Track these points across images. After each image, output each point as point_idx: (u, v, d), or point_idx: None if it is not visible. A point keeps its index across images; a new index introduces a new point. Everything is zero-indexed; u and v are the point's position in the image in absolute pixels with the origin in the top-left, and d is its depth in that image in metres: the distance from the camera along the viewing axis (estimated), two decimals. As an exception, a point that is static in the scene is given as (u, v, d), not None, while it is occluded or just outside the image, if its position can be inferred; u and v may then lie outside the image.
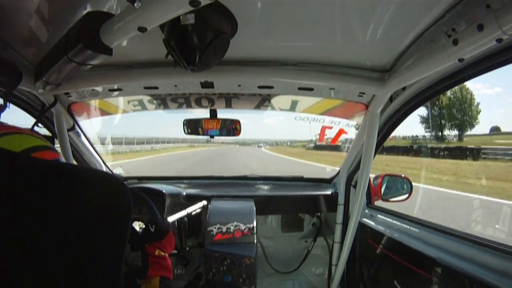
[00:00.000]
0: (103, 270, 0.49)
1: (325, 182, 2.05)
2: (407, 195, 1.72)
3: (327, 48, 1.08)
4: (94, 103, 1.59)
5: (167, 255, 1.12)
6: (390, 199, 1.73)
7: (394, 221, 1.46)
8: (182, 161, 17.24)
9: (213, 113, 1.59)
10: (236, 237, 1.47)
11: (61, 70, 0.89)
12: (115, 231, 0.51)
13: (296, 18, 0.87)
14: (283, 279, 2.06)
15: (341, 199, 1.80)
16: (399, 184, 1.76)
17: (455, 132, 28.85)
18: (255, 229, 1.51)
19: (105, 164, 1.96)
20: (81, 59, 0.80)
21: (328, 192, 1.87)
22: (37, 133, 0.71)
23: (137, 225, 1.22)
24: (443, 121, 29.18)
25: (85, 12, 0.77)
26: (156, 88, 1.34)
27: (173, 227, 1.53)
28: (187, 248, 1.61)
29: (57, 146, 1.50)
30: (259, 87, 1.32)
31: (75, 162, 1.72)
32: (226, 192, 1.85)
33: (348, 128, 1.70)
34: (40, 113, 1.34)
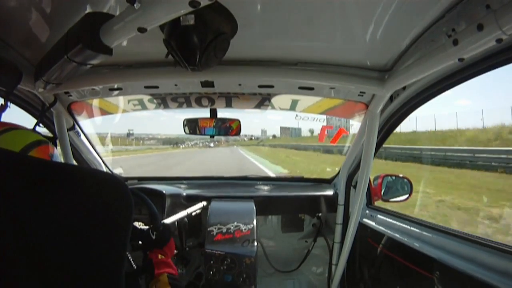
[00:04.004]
0: (104, 270, 0.49)
1: (325, 182, 2.05)
2: (407, 195, 1.71)
3: (327, 48, 1.08)
4: (94, 102, 1.59)
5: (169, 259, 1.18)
6: (390, 199, 1.72)
7: (394, 221, 1.46)
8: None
9: (213, 113, 1.59)
10: (236, 237, 1.47)
11: (61, 69, 0.89)
12: (116, 231, 0.51)
13: (296, 18, 0.87)
14: (283, 278, 2.06)
15: (341, 199, 1.79)
16: (399, 184, 1.75)
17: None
18: (255, 229, 1.51)
19: (105, 164, 1.97)
20: (81, 59, 0.80)
21: (328, 192, 1.87)
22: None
23: (138, 225, 1.23)
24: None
25: (85, 12, 0.77)
26: (157, 87, 1.34)
27: (173, 228, 1.53)
28: (187, 248, 1.61)
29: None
30: (259, 86, 1.32)
31: (74, 162, 1.72)
32: (226, 192, 1.85)
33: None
34: (41, 112, 1.34)
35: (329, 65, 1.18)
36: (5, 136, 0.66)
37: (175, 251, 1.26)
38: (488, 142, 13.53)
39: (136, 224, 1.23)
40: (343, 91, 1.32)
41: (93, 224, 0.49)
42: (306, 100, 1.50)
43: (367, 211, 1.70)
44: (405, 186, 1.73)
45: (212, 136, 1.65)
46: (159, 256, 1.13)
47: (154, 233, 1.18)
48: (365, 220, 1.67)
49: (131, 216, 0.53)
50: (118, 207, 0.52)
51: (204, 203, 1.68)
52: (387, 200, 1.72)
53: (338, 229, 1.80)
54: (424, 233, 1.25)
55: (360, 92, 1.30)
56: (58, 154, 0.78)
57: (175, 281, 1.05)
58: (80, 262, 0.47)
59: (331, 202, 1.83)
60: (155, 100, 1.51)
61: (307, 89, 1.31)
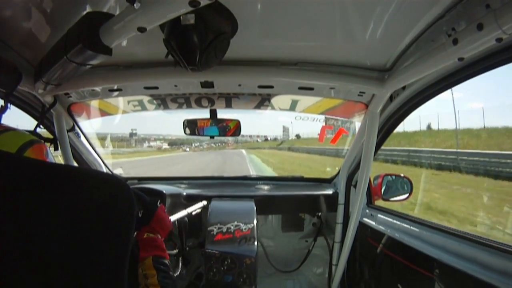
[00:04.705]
0: (105, 271, 0.49)
1: (325, 182, 2.05)
2: (408, 194, 1.72)
3: (327, 48, 1.08)
4: (94, 103, 1.59)
5: (158, 236, 1.02)
6: (390, 199, 1.73)
7: (394, 221, 1.46)
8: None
9: (213, 113, 1.59)
10: (237, 237, 1.47)
11: (61, 70, 0.89)
12: (118, 232, 0.51)
13: (296, 18, 0.87)
14: (284, 278, 2.06)
15: (341, 199, 1.80)
16: (399, 184, 1.76)
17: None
18: (255, 229, 1.51)
19: (105, 164, 1.96)
20: (81, 60, 0.80)
21: (328, 192, 1.87)
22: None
23: None
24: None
25: (85, 12, 0.77)
26: (156, 88, 1.34)
27: (174, 227, 1.53)
28: (188, 248, 1.61)
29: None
30: (259, 86, 1.32)
31: (75, 163, 1.72)
32: (226, 192, 1.85)
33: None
34: (41, 114, 1.34)
35: (329, 65, 1.18)
36: (0, 138, 0.66)
37: (169, 229, 1.09)
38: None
39: None
40: (343, 91, 1.32)
41: (94, 224, 0.49)
42: (305, 100, 1.50)
43: (367, 211, 1.70)
44: (405, 185, 1.73)
45: (212, 137, 1.65)
46: (145, 235, 0.97)
47: (141, 211, 1.04)
48: (365, 219, 1.67)
49: (134, 216, 0.53)
50: (120, 208, 0.52)
51: (204, 202, 1.68)
52: (387, 200, 1.72)
53: (338, 228, 1.80)
54: (424, 232, 1.25)
55: (360, 92, 1.30)
56: (51, 152, 0.78)
57: (160, 265, 0.89)
58: (80, 263, 0.47)
59: (331, 201, 1.83)
60: (155, 101, 1.50)
61: (307, 89, 1.31)
